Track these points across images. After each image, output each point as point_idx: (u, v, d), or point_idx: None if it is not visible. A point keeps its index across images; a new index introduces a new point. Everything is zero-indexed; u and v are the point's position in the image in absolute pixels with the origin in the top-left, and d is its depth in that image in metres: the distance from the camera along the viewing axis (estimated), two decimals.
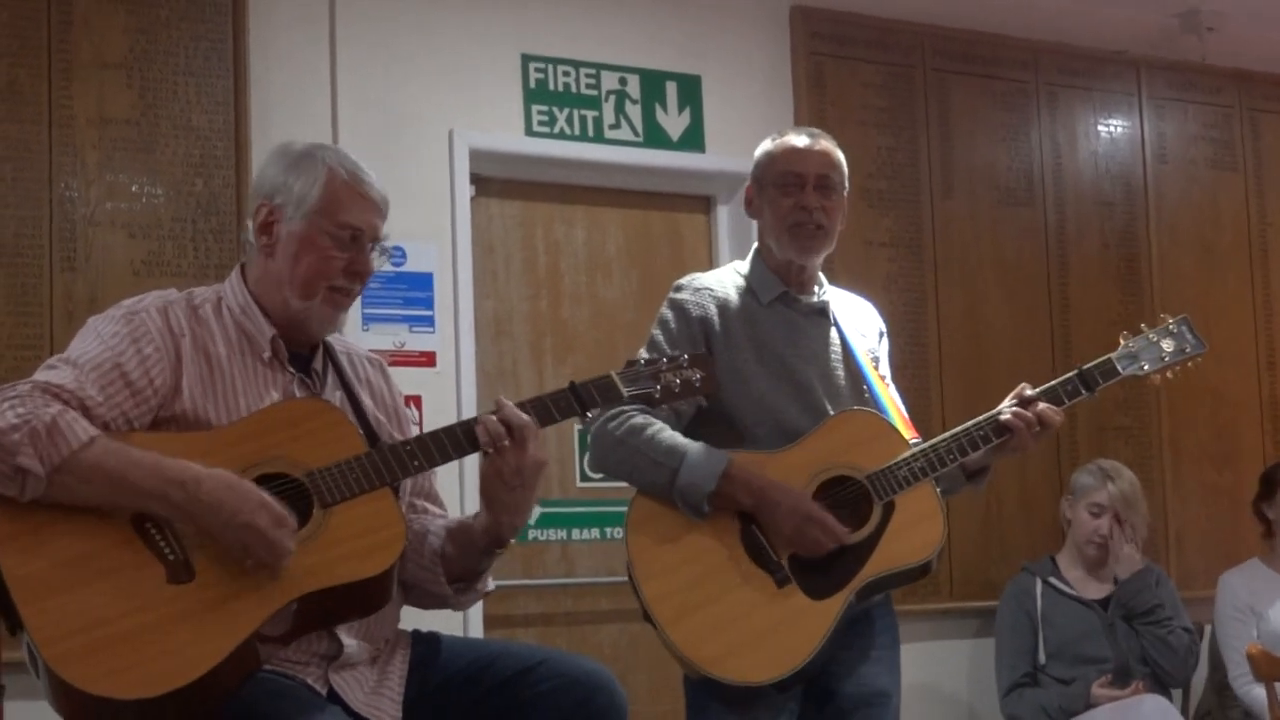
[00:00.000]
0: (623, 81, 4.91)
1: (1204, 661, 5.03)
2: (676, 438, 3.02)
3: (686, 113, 5.01)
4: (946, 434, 3.11)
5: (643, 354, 2.73)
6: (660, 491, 3.00)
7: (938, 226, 5.31)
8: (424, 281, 4.54)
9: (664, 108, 4.97)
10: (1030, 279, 5.46)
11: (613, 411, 3.03)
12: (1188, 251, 5.74)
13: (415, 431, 2.62)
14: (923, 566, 3.05)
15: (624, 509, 3.06)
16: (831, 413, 3.12)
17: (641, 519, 3.02)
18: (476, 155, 4.65)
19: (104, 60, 4.16)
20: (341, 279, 2.54)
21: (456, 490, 4.31)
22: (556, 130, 4.79)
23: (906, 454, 3.06)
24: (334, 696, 2.42)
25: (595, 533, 4.84)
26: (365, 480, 2.41)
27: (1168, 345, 3.25)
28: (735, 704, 2.99)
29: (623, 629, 4.78)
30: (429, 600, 2.66)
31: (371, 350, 2.81)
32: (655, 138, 4.95)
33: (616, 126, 4.89)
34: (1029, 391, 3.14)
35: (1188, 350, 3.26)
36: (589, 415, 2.60)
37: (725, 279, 3.23)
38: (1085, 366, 3.20)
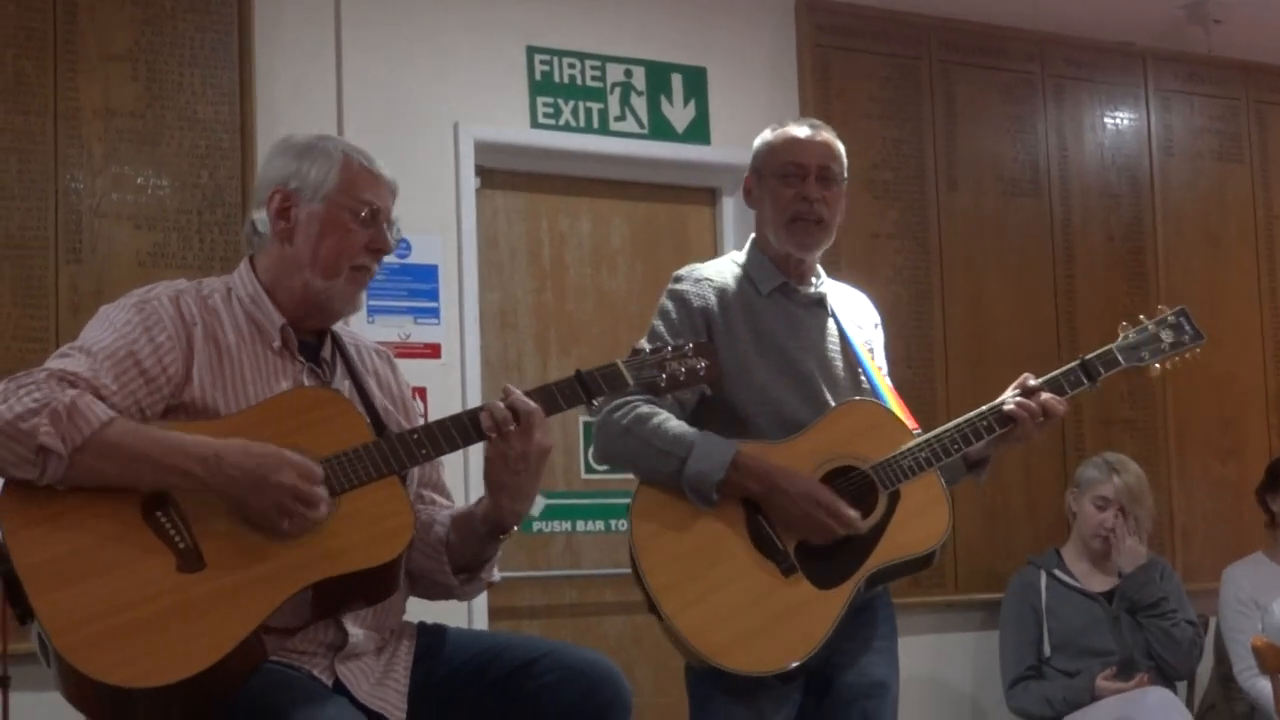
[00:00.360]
0: (628, 74, 4.91)
1: (1209, 654, 5.03)
2: (683, 427, 3.02)
3: (692, 105, 5.00)
4: (950, 424, 3.11)
5: (644, 344, 2.74)
6: (668, 480, 2.99)
7: (943, 218, 5.31)
8: (429, 273, 4.54)
9: (669, 100, 4.97)
10: (1036, 271, 5.45)
11: (618, 401, 3.02)
12: (1193, 244, 5.74)
13: (422, 423, 2.63)
14: (928, 556, 3.05)
15: (628, 501, 3.05)
16: (831, 403, 3.12)
17: (646, 509, 3.02)
18: (482, 147, 4.65)
19: (109, 52, 4.16)
20: (363, 256, 2.55)
21: (461, 482, 4.30)
22: (561, 122, 4.79)
23: (911, 443, 3.06)
24: (340, 688, 2.42)
25: (600, 524, 4.84)
26: (373, 468, 2.41)
27: (1167, 336, 3.25)
28: (739, 694, 2.99)
29: (628, 620, 4.78)
30: (435, 590, 2.66)
31: (377, 342, 2.81)
32: (660, 130, 4.95)
33: (622, 118, 4.89)
34: (1032, 381, 3.14)
35: (1186, 341, 3.26)
36: (595, 404, 2.60)
37: (724, 269, 3.23)
38: (1087, 356, 3.20)
